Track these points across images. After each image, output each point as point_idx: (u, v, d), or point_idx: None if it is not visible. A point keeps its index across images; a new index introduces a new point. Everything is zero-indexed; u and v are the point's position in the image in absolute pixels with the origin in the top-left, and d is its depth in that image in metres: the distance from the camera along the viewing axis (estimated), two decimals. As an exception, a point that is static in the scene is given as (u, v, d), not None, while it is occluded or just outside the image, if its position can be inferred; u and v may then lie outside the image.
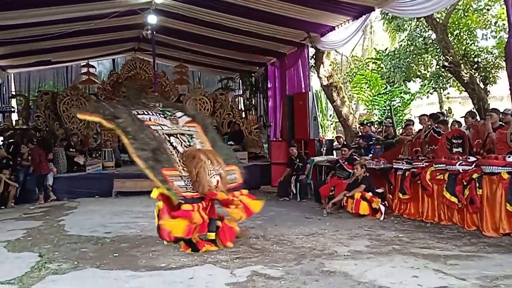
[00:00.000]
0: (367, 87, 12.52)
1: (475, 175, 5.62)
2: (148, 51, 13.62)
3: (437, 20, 9.93)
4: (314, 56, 12.02)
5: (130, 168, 11.71)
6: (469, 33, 11.33)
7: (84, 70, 13.76)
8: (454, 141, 6.66)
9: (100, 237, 5.84)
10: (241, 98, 15.66)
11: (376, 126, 10.94)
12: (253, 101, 15.15)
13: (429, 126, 7.36)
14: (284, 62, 12.52)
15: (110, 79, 13.53)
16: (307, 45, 11.34)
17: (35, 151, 9.60)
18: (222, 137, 13.17)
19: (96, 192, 9.98)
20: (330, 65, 12.12)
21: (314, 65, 12.15)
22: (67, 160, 10.53)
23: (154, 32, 11.01)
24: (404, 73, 12.45)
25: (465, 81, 9.60)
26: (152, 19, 10.21)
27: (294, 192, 9.10)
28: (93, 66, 13.93)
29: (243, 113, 14.78)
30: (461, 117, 8.21)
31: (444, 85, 13.13)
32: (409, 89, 13.63)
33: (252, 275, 4.07)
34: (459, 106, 17.21)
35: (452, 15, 10.88)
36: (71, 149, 11.01)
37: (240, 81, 15.84)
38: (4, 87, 13.83)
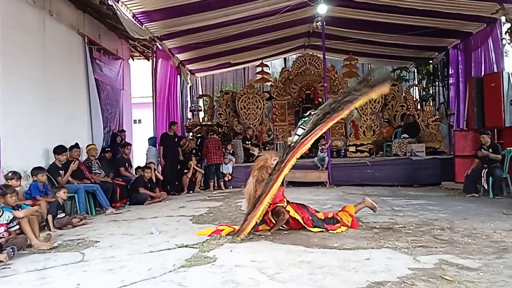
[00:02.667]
0: None
1: None
2: (317, 46, 13.68)
3: None
4: (509, 31, 10.18)
5: (299, 160, 11.94)
6: None
7: (259, 69, 14.58)
8: None
9: (273, 218, 5.92)
10: (416, 88, 14.37)
11: None
12: (431, 90, 13.73)
13: None
14: (469, 42, 11.00)
15: (282, 76, 14.04)
16: (499, 19, 9.72)
17: (208, 142, 10.57)
18: (394, 130, 12.35)
19: (269, 181, 10.35)
20: (533, 38, 10.07)
21: (510, 41, 10.29)
22: (243, 152, 11.28)
23: (324, 23, 10.92)
24: None
25: None
26: (322, 8, 10.14)
27: (486, 187, 7.79)
28: (266, 65, 14.65)
29: (419, 104, 13.53)
30: None
31: None
32: None
33: (441, 263, 3.49)
34: None
35: None
36: (247, 142, 11.75)
37: (415, 70, 14.57)
38: (193, 89, 15.69)
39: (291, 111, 14.04)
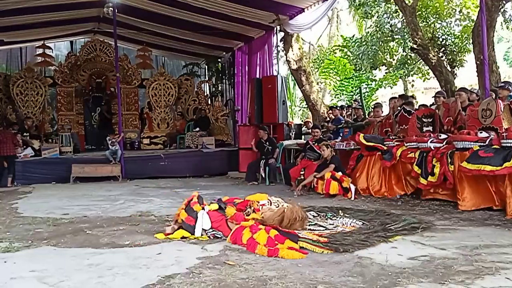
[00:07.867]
0: (335, 73, 12.47)
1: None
2: (109, 33, 12.97)
3: (406, 2, 10.00)
4: (282, 40, 11.83)
5: (89, 153, 11.25)
6: (437, 16, 11.51)
7: (40, 51, 12.95)
8: (424, 120, 6.65)
9: (57, 218, 5.40)
10: (207, 84, 15.26)
11: (345, 110, 10.88)
12: (220, 87, 14.79)
13: (399, 106, 7.33)
14: (251, 46, 12.30)
15: (68, 61, 12.79)
16: (276, 28, 11.18)
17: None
18: (187, 123, 12.87)
19: (53, 177, 9.43)
20: (299, 49, 11.97)
21: (283, 48, 11.94)
22: (20, 144, 9.86)
23: (116, 11, 10.44)
24: (371, 60, 12.49)
25: (433, 64, 9.70)
26: (114, -5, 9.68)
27: (263, 176, 8.90)
28: (49, 47, 13.13)
29: (209, 99, 14.41)
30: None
31: (409, 73, 13.31)
32: (375, 76, 13.72)
33: (225, 250, 3.82)
34: (422, 95, 17.63)
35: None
36: (25, 134, 10.32)
37: (206, 66, 15.43)
38: None
39: (80, 100, 13.03)
